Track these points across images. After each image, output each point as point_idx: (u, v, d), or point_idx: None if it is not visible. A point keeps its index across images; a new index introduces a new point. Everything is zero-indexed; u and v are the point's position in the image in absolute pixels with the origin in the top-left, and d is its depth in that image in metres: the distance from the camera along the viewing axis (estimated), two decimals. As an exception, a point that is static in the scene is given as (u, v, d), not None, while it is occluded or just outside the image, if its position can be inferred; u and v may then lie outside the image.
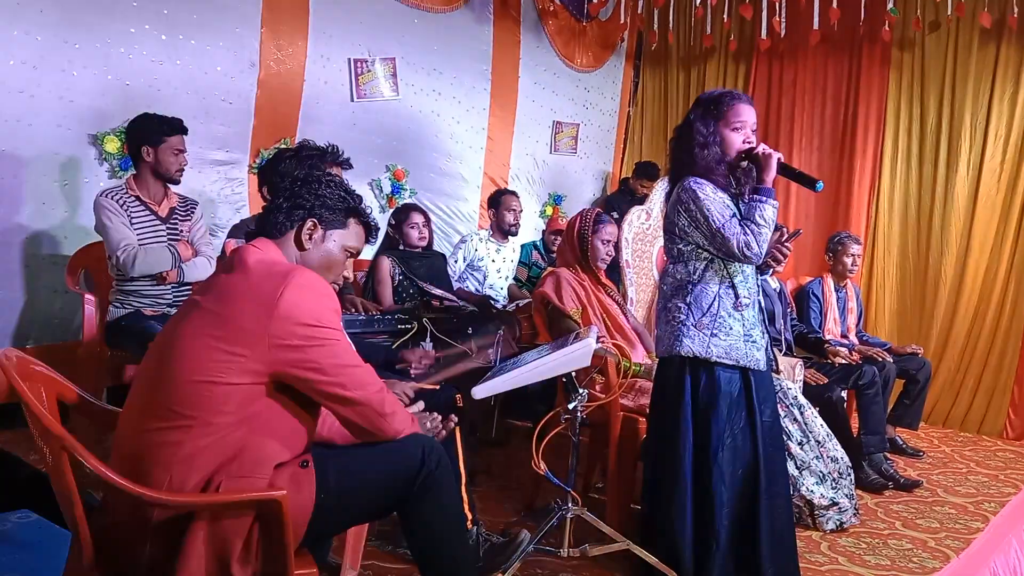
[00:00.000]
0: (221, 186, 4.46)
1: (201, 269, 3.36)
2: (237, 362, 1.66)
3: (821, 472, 3.16)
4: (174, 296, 3.35)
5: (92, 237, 3.51)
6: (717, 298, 2.48)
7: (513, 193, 4.99)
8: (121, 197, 3.25)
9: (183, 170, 3.36)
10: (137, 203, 3.29)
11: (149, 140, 3.25)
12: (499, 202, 4.87)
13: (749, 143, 2.50)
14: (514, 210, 4.84)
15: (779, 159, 2.46)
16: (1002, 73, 5.23)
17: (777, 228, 2.58)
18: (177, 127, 3.31)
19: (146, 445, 1.66)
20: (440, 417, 2.10)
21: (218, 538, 1.58)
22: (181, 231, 3.40)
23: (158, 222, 3.33)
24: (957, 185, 5.38)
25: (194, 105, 4.20)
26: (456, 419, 2.18)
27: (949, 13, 5.08)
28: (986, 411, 5.21)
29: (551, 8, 6.16)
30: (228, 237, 3.68)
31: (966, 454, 4.54)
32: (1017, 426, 5.10)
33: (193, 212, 3.49)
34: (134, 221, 3.26)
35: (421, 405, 2.18)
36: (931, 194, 5.49)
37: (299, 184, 1.90)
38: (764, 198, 2.42)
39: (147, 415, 1.69)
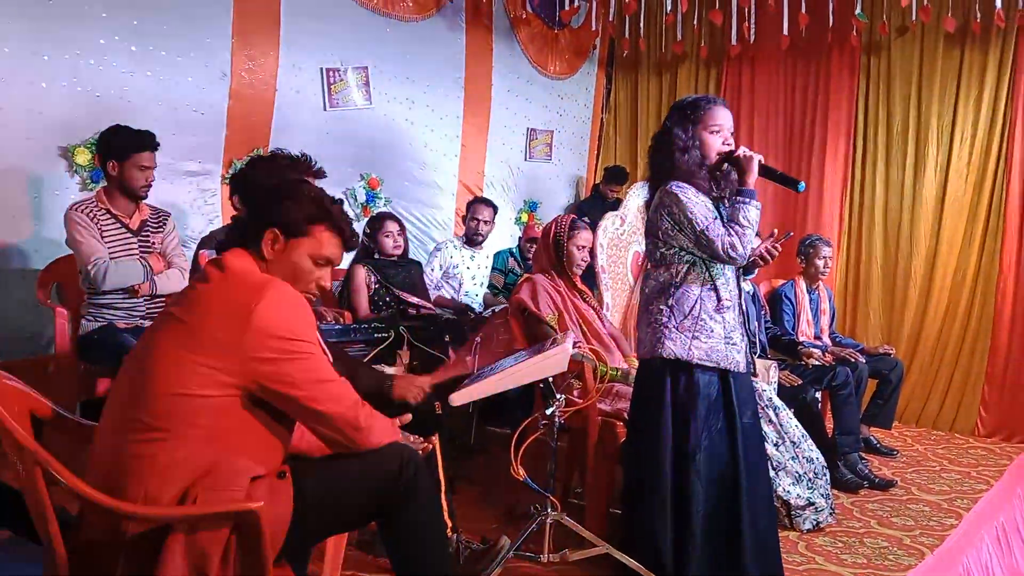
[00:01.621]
0: (194, 197, 4.44)
1: (174, 281, 3.33)
2: (212, 375, 1.65)
3: (797, 472, 3.19)
4: (147, 309, 3.32)
5: (63, 250, 3.47)
6: (699, 300, 2.50)
7: (484, 202, 5.00)
8: (91, 210, 3.22)
9: (150, 186, 3.31)
10: (107, 216, 3.26)
11: (115, 155, 3.21)
12: (468, 209, 4.90)
13: (728, 145, 2.53)
14: (479, 219, 4.85)
15: (760, 161, 2.49)
16: (966, 77, 5.33)
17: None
18: (146, 143, 3.25)
19: (121, 459, 1.64)
20: (420, 439, 2.09)
21: (195, 551, 1.57)
22: (153, 243, 3.37)
23: (129, 235, 3.30)
24: (925, 187, 5.48)
25: (165, 116, 4.17)
26: (435, 438, 2.16)
27: (915, 18, 5.17)
28: (958, 409, 5.29)
29: (523, 16, 6.19)
30: (200, 248, 3.66)
31: (939, 452, 4.60)
32: (988, 423, 5.18)
33: (165, 224, 3.46)
34: (105, 234, 3.22)
35: (408, 417, 2.17)
36: (900, 196, 5.58)
37: (263, 193, 1.88)
38: (747, 200, 2.45)
39: (122, 428, 1.68)
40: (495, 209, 5.03)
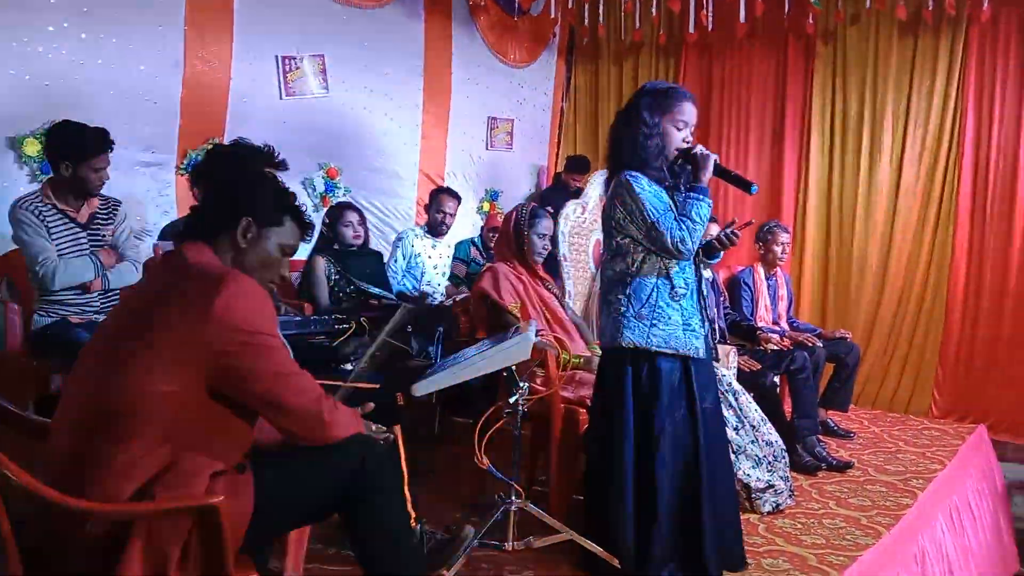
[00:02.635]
0: (148, 188, 4.35)
1: (127, 275, 3.26)
2: (171, 369, 1.62)
3: (757, 456, 3.24)
4: (101, 304, 3.25)
5: (12, 244, 3.38)
6: (655, 289, 2.51)
7: (449, 193, 4.98)
8: (37, 206, 3.10)
9: (103, 184, 3.23)
10: (54, 212, 3.14)
11: (68, 156, 3.08)
12: (433, 201, 4.87)
13: (688, 143, 2.54)
14: (444, 211, 4.83)
15: (715, 160, 2.51)
16: (920, 65, 5.43)
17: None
18: (101, 146, 3.13)
19: (78, 456, 1.61)
20: (384, 428, 2.08)
21: (155, 548, 1.54)
22: (104, 236, 3.29)
23: (78, 229, 3.20)
24: (880, 174, 5.58)
25: (117, 105, 4.09)
26: (397, 428, 2.16)
27: (868, 6, 5.25)
28: (912, 391, 5.42)
29: (482, 3, 6.16)
30: (159, 240, 3.59)
31: (894, 433, 4.69)
32: (942, 405, 5.32)
33: (116, 214, 3.35)
34: (52, 231, 3.12)
35: (371, 406, 2.15)
36: (855, 183, 5.69)
37: (233, 182, 1.86)
38: (700, 196, 2.47)
39: (78, 425, 1.64)
40: (459, 200, 5.01)
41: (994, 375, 5.21)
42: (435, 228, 4.85)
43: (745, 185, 2.55)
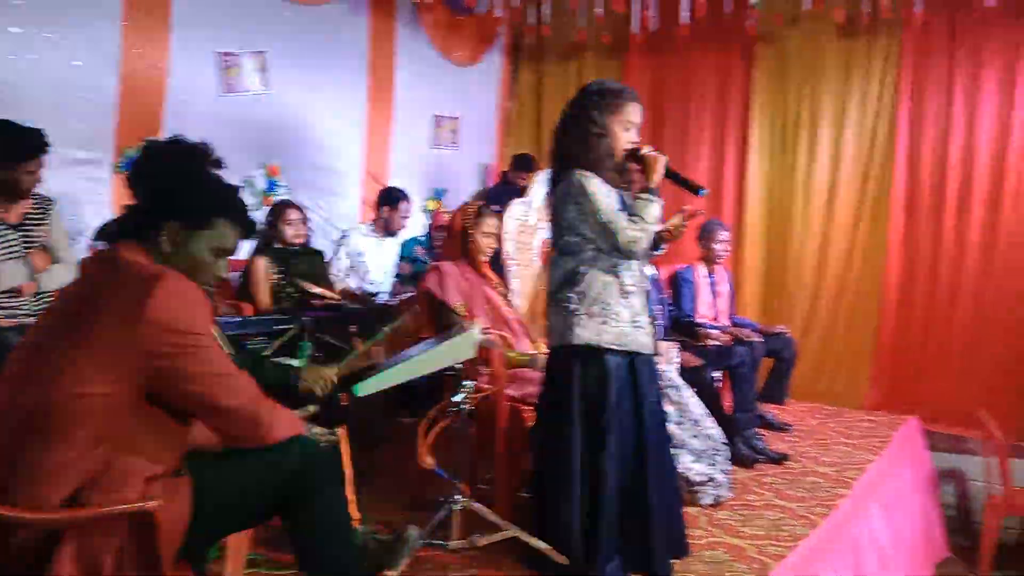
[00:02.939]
0: (82, 187, 4.23)
1: (60, 277, 3.17)
2: (103, 372, 1.59)
3: (698, 449, 3.29)
4: (33, 307, 3.15)
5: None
6: (605, 286, 2.54)
7: (406, 196, 4.98)
8: None
9: (36, 185, 3.14)
10: None
11: (1, 158, 3.01)
12: (395, 205, 4.83)
13: (634, 143, 2.57)
14: (406, 216, 4.84)
15: (666, 162, 2.53)
16: (856, 67, 5.58)
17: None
18: (36, 148, 3.06)
19: (6, 461, 1.57)
20: (327, 430, 2.06)
21: (87, 556, 1.51)
22: (37, 237, 3.20)
23: (8, 230, 3.11)
24: (818, 173, 5.72)
25: (50, 101, 3.97)
26: (341, 432, 2.14)
27: (806, 8, 5.37)
28: (847, 385, 5.58)
29: (427, 1, 6.13)
30: (94, 239, 3.49)
31: (830, 426, 4.81)
32: (874, 397, 5.48)
33: (49, 213, 3.27)
34: None
35: (313, 409, 2.13)
36: (793, 182, 5.81)
37: (162, 183, 1.82)
38: (651, 197, 2.50)
39: (7, 429, 1.60)
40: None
41: (924, 368, 5.38)
42: (396, 231, 4.83)
43: (693, 188, 2.59)
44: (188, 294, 1.68)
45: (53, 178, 3.81)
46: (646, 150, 2.54)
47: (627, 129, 2.55)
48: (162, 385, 1.65)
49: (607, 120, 2.53)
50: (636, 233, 2.46)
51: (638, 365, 2.59)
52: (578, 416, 2.56)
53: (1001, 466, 4.18)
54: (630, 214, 2.50)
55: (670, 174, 2.56)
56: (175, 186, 1.80)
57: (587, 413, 2.56)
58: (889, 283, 5.49)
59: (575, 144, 2.56)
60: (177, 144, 2.67)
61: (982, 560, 4.25)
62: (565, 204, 2.55)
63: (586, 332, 2.52)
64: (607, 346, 2.53)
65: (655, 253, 2.90)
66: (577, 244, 2.57)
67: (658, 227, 2.56)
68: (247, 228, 1.90)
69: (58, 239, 3.28)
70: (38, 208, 3.23)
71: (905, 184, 5.47)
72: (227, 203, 1.86)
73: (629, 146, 2.56)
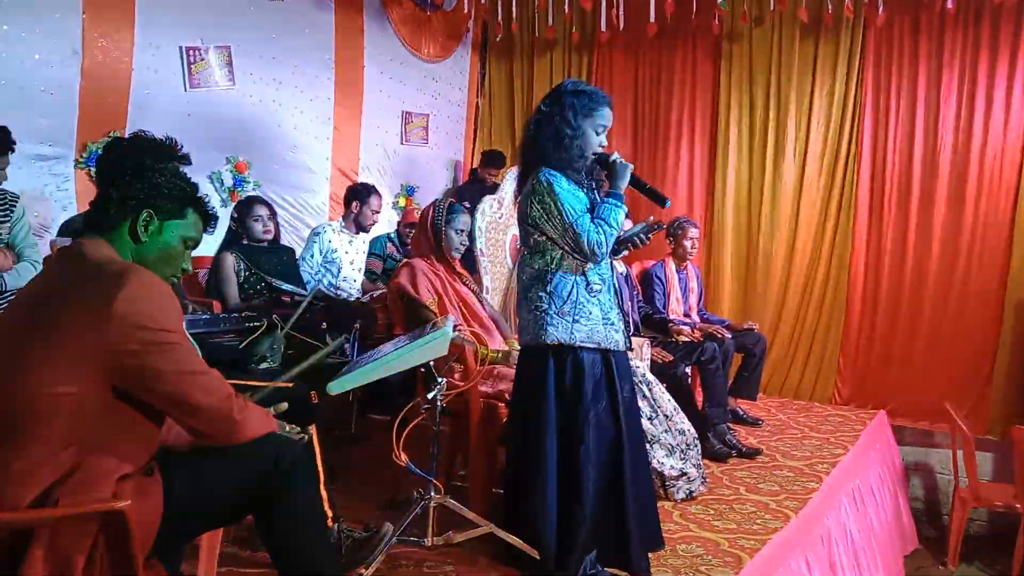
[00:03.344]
0: (45, 182, 4.15)
1: (24, 275, 3.09)
2: (70, 370, 1.54)
3: (670, 444, 3.31)
4: (-3, 305, 3.08)
5: None
6: (575, 285, 2.54)
7: (377, 192, 4.92)
8: None
9: (1, 183, 3.07)
10: None
11: None
12: (366, 200, 4.77)
13: (603, 147, 2.59)
14: (377, 211, 4.79)
15: (632, 171, 2.55)
16: (821, 67, 5.64)
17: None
18: (2, 146, 2.97)
19: (-30, 463, 1.52)
20: (298, 428, 2.03)
21: (58, 557, 1.47)
22: (-1, 234, 3.12)
23: (-29, 228, 3.04)
24: (785, 170, 5.77)
25: (11, 96, 3.90)
26: (313, 429, 2.12)
27: (772, 8, 5.42)
28: (816, 380, 5.65)
29: (394, -4, 6.10)
30: (57, 236, 3.42)
31: (800, 420, 4.87)
32: (843, 392, 5.57)
33: (12, 210, 3.18)
34: None
35: (285, 406, 2.10)
36: (761, 180, 5.87)
37: (132, 174, 1.79)
38: (616, 203, 2.52)
39: (-30, 431, 1.55)
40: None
41: (892, 363, 5.46)
42: (367, 226, 4.78)
43: (660, 199, 2.61)
44: (156, 289, 1.64)
45: (14, 174, 3.72)
46: (614, 157, 2.55)
47: (598, 132, 2.57)
48: (131, 383, 1.61)
49: (581, 122, 2.54)
50: (598, 236, 2.48)
51: (613, 360, 2.60)
52: (553, 413, 2.56)
53: (967, 459, 4.25)
54: (596, 217, 2.51)
55: (636, 183, 2.58)
56: (144, 176, 1.77)
57: (562, 410, 2.56)
58: (856, 279, 5.57)
59: (547, 142, 2.56)
60: (144, 139, 2.63)
61: (950, 551, 4.32)
62: (531, 202, 2.55)
63: (558, 331, 2.53)
64: (580, 344, 2.53)
65: (616, 256, 2.91)
66: (544, 243, 2.57)
67: (621, 232, 2.57)
68: (210, 220, 1.91)
69: (23, 237, 3.19)
70: (2, 205, 3.14)
71: (870, 181, 5.55)
72: (196, 194, 1.86)
73: (599, 149, 2.57)
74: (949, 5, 4.95)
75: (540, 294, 2.56)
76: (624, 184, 2.54)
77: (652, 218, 2.79)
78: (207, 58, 4.90)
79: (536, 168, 2.57)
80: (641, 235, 2.73)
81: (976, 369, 5.16)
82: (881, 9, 5.15)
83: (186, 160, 2.68)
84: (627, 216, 2.70)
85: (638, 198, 2.98)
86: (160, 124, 4.09)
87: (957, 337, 5.21)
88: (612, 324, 2.59)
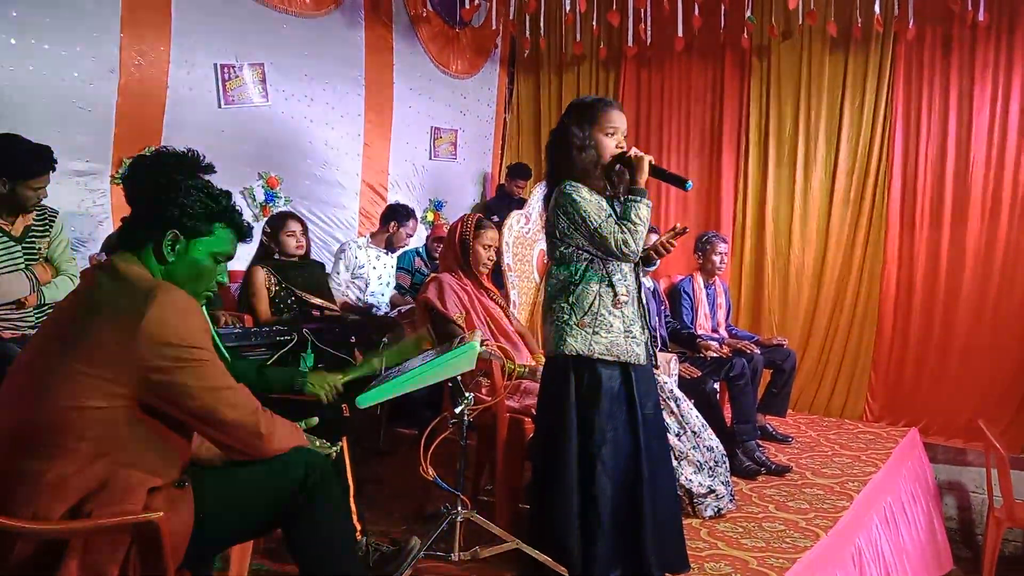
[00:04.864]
0: (81, 198, 4.24)
1: (63, 290, 3.15)
2: (101, 385, 1.57)
3: (698, 461, 3.29)
4: (36, 318, 3.12)
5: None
6: (597, 297, 2.55)
7: (414, 214, 5.00)
8: None
9: (40, 200, 3.14)
10: None
11: (6, 173, 2.98)
12: (404, 222, 4.84)
13: (621, 148, 2.60)
14: (411, 235, 4.86)
15: (650, 161, 2.56)
16: (850, 80, 5.61)
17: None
18: (44, 165, 3.03)
19: (6, 476, 1.55)
20: (328, 443, 2.05)
21: (92, 568, 1.50)
22: (39, 249, 3.18)
23: (11, 243, 3.09)
24: (814, 185, 5.74)
25: (50, 113, 3.98)
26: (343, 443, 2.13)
27: (801, 22, 5.40)
28: (847, 396, 5.57)
29: (423, 14, 6.16)
30: (101, 251, 3.49)
31: (831, 437, 4.81)
32: (875, 409, 5.49)
33: (52, 225, 3.25)
34: None
35: (316, 420, 2.12)
36: (791, 194, 5.83)
37: (157, 193, 1.80)
38: (639, 198, 2.53)
39: (6, 443, 1.59)
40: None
41: (925, 379, 5.39)
42: (398, 247, 4.85)
43: (680, 182, 2.63)
44: (184, 307, 1.66)
45: (52, 189, 3.81)
46: (632, 152, 2.57)
47: (610, 134, 2.59)
48: (160, 399, 1.63)
49: (590, 131, 2.58)
50: (624, 235, 2.49)
51: (633, 375, 2.59)
52: (573, 426, 2.56)
53: (1002, 478, 4.17)
54: (620, 217, 2.53)
55: (655, 171, 2.60)
56: (167, 195, 1.78)
57: (582, 423, 2.56)
58: (888, 294, 5.50)
59: (562, 159, 2.61)
60: (165, 154, 2.66)
61: (984, 572, 4.24)
62: (557, 215, 2.59)
63: (577, 342, 2.54)
64: (598, 356, 2.54)
65: (647, 269, 2.91)
66: (571, 254, 2.59)
67: (647, 227, 2.58)
68: (244, 232, 1.90)
69: (61, 251, 3.26)
70: (41, 220, 3.21)
71: (901, 196, 5.50)
72: (223, 208, 1.84)
73: (616, 151, 2.59)
74: (981, 18, 4.91)
75: (562, 304, 2.57)
76: (644, 178, 2.55)
77: (678, 225, 2.81)
78: (241, 75, 4.98)
79: (559, 181, 2.61)
80: (667, 241, 2.73)
81: (1011, 386, 5.07)
82: (911, 23, 5.11)
83: (211, 170, 2.70)
84: (653, 231, 2.70)
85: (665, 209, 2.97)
86: (194, 140, 4.15)
87: (991, 353, 5.13)
88: (634, 337, 2.58)
